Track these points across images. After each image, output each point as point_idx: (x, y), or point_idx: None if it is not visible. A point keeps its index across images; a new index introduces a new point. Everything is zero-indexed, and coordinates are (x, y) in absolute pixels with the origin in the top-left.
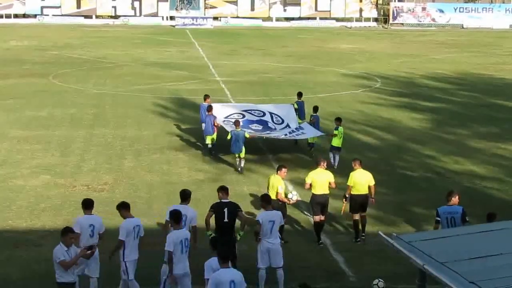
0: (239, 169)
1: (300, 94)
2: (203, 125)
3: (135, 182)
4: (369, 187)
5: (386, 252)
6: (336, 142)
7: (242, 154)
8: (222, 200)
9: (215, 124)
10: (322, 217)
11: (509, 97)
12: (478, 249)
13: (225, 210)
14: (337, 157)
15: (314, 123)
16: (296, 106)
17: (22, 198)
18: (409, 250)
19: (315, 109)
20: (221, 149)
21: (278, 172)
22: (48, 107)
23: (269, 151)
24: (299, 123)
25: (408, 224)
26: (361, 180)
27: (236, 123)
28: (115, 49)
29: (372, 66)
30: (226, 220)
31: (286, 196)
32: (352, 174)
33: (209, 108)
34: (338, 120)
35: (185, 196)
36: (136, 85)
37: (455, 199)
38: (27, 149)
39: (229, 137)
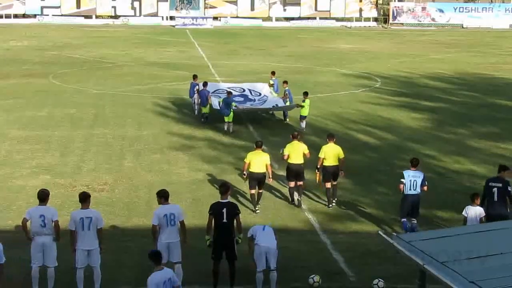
0: (229, 130)
1: (273, 73)
2: (193, 99)
3: (135, 182)
4: (340, 160)
5: (386, 252)
6: (304, 112)
7: (230, 118)
8: (221, 201)
9: (208, 97)
10: (300, 182)
11: (509, 97)
12: (478, 248)
13: (224, 210)
14: (304, 123)
15: (287, 95)
16: (272, 82)
17: (22, 198)
18: (409, 250)
19: (285, 82)
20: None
21: (261, 147)
22: (48, 107)
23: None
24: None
25: None
26: (331, 153)
27: (229, 93)
28: (115, 49)
29: (372, 66)
30: (225, 220)
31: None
32: (323, 147)
33: (204, 84)
34: (305, 94)
35: (166, 196)
36: (136, 85)
37: (418, 166)
38: (27, 149)
39: (220, 100)
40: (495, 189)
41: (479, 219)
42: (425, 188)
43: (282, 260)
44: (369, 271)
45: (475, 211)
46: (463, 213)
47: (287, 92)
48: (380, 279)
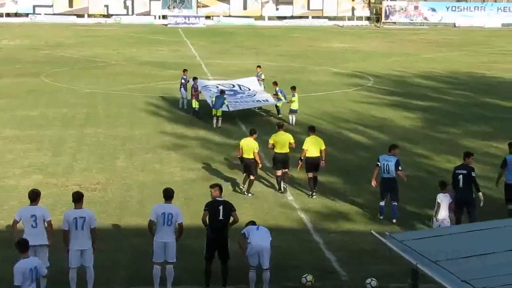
0: (217, 126)
1: (259, 67)
2: (181, 92)
3: (127, 182)
4: (321, 151)
5: (379, 251)
6: (294, 106)
7: (219, 113)
8: (217, 199)
9: (196, 91)
10: (285, 170)
11: (501, 96)
12: (471, 248)
13: (220, 208)
14: (294, 117)
15: (278, 94)
16: (263, 77)
17: (14, 197)
18: (402, 249)
19: (275, 83)
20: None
21: (253, 135)
22: (40, 107)
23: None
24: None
25: (400, 223)
26: (314, 145)
27: (222, 92)
28: (107, 48)
29: (364, 65)
30: (221, 217)
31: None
32: (306, 139)
33: (194, 79)
34: (294, 88)
35: (168, 195)
36: (129, 84)
37: (394, 151)
38: (19, 148)
39: (213, 98)
40: (460, 176)
41: (449, 204)
42: (400, 173)
43: (274, 259)
44: (361, 270)
45: (445, 197)
46: (438, 200)
47: (279, 93)
48: (372, 278)
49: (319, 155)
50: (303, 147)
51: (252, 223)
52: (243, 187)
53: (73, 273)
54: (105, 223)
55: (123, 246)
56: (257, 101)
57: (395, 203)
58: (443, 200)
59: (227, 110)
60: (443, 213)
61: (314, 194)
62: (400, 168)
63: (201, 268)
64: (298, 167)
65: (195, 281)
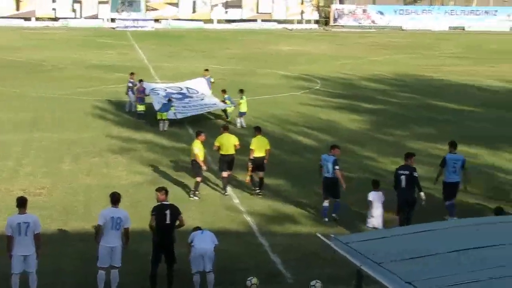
0: (163, 129)
1: (207, 70)
2: (131, 96)
3: (73, 186)
4: (265, 151)
5: (325, 253)
6: (242, 108)
7: (164, 116)
8: (163, 203)
9: (141, 94)
10: (229, 172)
11: (447, 99)
12: (414, 249)
13: (167, 212)
14: (242, 120)
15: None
16: (212, 80)
17: None
18: (346, 250)
19: (224, 91)
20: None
21: (198, 137)
22: None
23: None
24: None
25: (346, 225)
26: (259, 145)
27: (169, 99)
28: (55, 52)
29: (312, 68)
30: (168, 222)
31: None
32: (253, 139)
33: (140, 81)
34: (242, 91)
35: (115, 199)
36: (76, 88)
37: (334, 151)
38: None
39: (161, 106)
40: (402, 177)
41: (382, 202)
42: (337, 172)
43: (220, 262)
44: (307, 273)
45: (378, 195)
46: (369, 198)
47: (227, 100)
48: (317, 281)
49: (264, 155)
50: (251, 147)
51: (198, 229)
52: (192, 196)
53: (16, 279)
54: (50, 228)
55: (68, 251)
56: (205, 105)
57: (337, 201)
58: (375, 198)
59: (175, 118)
60: (377, 212)
61: (258, 190)
62: (337, 167)
63: (146, 272)
64: (249, 170)
65: (141, 285)
